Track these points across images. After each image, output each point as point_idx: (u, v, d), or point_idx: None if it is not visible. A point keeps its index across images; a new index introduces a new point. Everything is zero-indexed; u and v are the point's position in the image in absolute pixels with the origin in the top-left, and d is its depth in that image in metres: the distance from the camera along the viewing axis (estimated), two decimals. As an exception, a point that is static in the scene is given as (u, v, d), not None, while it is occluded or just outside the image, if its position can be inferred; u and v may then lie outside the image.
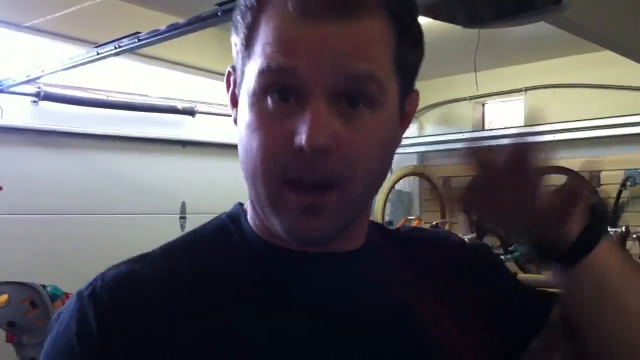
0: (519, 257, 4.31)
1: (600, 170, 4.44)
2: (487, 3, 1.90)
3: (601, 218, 0.81)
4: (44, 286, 3.35)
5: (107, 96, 4.21)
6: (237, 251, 0.81)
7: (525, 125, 4.88)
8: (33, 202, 3.91)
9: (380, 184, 0.79)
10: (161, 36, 2.96)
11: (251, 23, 0.73)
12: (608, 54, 3.45)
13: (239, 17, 0.76)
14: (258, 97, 0.72)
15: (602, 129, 4.32)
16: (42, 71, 3.59)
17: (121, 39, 3.11)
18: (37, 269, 3.64)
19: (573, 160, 4.48)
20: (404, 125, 0.82)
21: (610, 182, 4.38)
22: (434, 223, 4.35)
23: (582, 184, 0.84)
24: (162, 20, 3.15)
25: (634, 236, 3.85)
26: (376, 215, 4.88)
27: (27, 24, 3.53)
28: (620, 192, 4.28)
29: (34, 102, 3.91)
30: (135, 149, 4.41)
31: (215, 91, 4.70)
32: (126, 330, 0.70)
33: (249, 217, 0.83)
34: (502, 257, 4.19)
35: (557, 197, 0.79)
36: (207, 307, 0.74)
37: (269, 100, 0.71)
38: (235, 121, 0.79)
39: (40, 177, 3.93)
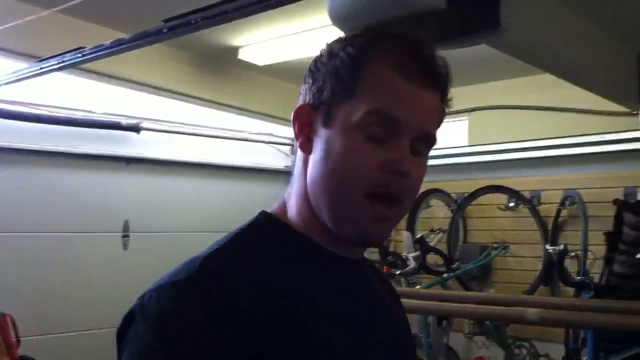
0: (461, 275, 4.38)
1: (541, 190, 4.56)
2: (429, 25, 1.94)
3: None
4: (-20, 306, 3.25)
5: (50, 111, 4.13)
6: (290, 248, 1.00)
7: (469, 145, 4.99)
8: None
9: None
10: (106, 51, 2.94)
11: (361, 73, 0.96)
12: (549, 77, 3.54)
13: (343, 62, 0.97)
14: (358, 129, 0.94)
15: (543, 149, 4.44)
16: (-18, 85, 3.51)
17: (65, 53, 3.07)
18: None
19: (515, 180, 4.59)
20: None
21: (550, 201, 4.49)
22: (379, 241, 4.38)
23: None
24: (107, 36, 3.12)
25: (573, 254, 3.96)
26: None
27: (-34, 37, 3.44)
28: (559, 211, 4.40)
29: (-28, 116, 3.81)
30: (77, 165, 4.33)
31: (160, 107, 4.66)
32: (230, 309, 0.86)
33: (294, 219, 1.02)
34: (445, 275, 4.26)
35: None
36: (285, 286, 0.93)
37: (367, 133, 0.94)
38: (301, 146, 1.01)
39: (-23, 194, 3.83)
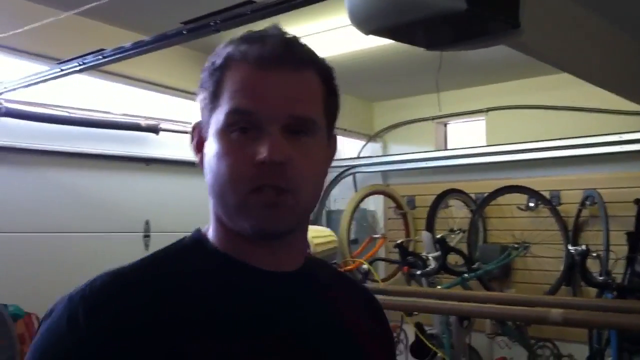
0: (482, 275, 4.36)
1: (560, 190, 4.53)
2: (446, 26, 1.93)
3: None
4: (5, 306, 3.29)
5: (69, 113, 4.17)
6: (203, 266, 0.98)
7: (487, 145, 4.97)
8: (-8, 220, 3.84)
9: (318, 196, 1.01)
10: (126, 53, 2.96)
11: (219, 79, 0.97)
12: (567, 76, 3.52)
13: (207, 76, 0.99)
14: (225, 132, 0.94)
15: (561, 149, 4.40)
16: (5, 87, 3.55)
17: (85, 55, 3.09)
18: (-3, 288, 3.57)
19: (533, 180, 4.56)
20: (329, 161, 1.07)
21: (569, 201, 4.46)
22: (398, 242, 4.37)
23: None
24: (127, 38, 3.14)
25: (594, 254, 3.92)
26: (341, 234, 4.88)
27: (-12, 40, 3.48)
28: (579, 211, 4.36)
29: (-5, 118, 3.85)
30: (97, 166, 4.37)
31: (179, 108, 4.69)
32: (109, 330, 0.85)
33: (212, 238, 1.01)
34: (466, 275, 4.24)
35: None
36: (181, 309, 0.90)
37: (233, 134, 0.93)
38: (200, 163, 1.01)
39: (0, 196, 3.87)
